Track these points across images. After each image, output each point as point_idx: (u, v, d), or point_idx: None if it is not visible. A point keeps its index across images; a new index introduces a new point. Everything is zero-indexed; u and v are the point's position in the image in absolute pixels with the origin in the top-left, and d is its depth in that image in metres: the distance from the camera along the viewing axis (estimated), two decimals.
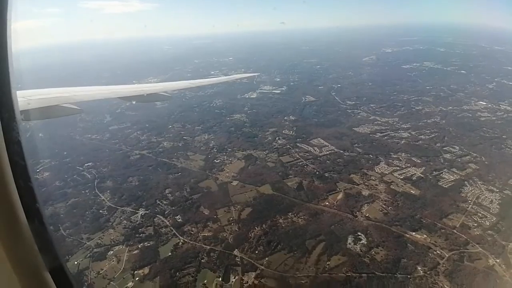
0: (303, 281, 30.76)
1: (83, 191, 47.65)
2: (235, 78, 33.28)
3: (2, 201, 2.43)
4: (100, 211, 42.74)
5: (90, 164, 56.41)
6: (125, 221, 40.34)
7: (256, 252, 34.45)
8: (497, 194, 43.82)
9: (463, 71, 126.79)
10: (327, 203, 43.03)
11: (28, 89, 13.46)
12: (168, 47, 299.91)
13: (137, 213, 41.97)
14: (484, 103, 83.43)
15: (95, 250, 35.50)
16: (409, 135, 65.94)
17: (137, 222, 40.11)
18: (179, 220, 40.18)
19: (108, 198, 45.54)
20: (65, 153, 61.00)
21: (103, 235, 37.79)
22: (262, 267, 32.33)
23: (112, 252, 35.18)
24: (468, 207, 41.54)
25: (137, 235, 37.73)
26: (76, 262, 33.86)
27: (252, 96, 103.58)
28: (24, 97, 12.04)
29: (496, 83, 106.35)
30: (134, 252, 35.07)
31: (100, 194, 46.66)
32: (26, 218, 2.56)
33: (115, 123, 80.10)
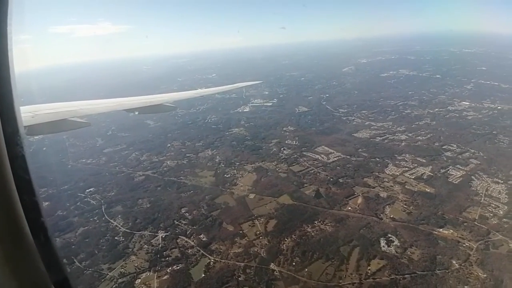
0: None
1: (91, 219, 44.38)
2: (239, 86, 33.20)
3: (7, 216, 2.43)
4: (116, 237, 39.84)
5: (92, 189, 52.99)
6: (146, 246, 37.83)
7: (294, 264, 33.45)
8: (503, 185, 46.34)
9: (438, 76, 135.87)
10: (349, 208, 43.14)
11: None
12: (147, 67, 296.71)
13: (157, 236, 39.60)
14: (468, 103, 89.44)
15: (120, 280, 32.76)
16: (407, 137, 68.70)
17: (160, 246, 37.75)
18: (204, 239, 38.33)
19: (121, 224, 42.68)
20: (61, 180, 56.87)
21: (126, 263, 35.07)
22: (304, 279, 31.33)
23: (140, 280, 32.66)
24: (481, 200, 43.43)
25: (163, 259, 35.40)
26: None
27: (245, 110, 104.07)
28: (31, 112, 11.79)
29: (473, 83, 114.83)
30: (164, 278, 32.77)
31: (111, 220, 43.67)
32: (31, 233, 2.55)
33: (109, 146, 76.53)
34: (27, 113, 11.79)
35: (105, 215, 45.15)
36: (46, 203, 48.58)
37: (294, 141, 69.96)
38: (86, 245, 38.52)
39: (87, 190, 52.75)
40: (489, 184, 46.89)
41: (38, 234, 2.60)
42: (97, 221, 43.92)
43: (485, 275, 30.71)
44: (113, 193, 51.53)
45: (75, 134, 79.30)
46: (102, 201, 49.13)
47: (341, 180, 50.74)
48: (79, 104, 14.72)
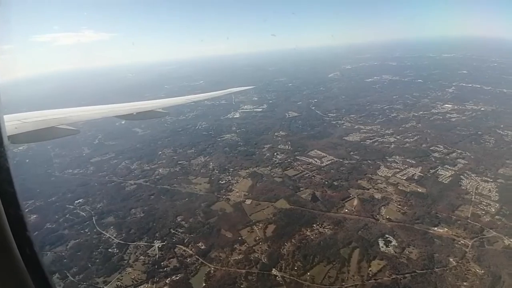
0: None
1: (82, 231, 42.62)
2: (230, 92, 33.37)
3: None
4: (109, 249, 38.37)
5: (81, 200, 51.07)
6: (142, 257, 36.59)
7: (295, 268, 33.21)
8: (493, 184, 48.05)
9: (420, 80, 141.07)
10: (346, 210, 43.52)
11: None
12: (132, 74, 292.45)
13: (153, 246, 38.41)
14: (450, 106, 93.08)
15: None
16: (396, 139, 70.47)
17: (157, 256, 36.61)
18: (202, 247, 37.50)
19: (114, 235, 41.18)
20: (48, 192, 54.46)
21: (122, 276, 33.80)
22: (308, 283, 31.10)
23: None
24: (472, 198, 44.82)
25: (161, 270, 34.33)
26: None
27: (235, 116, 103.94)
28: (19, 120, 11.68)
29: (455, 87, 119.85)
30: None
31: (103, 232, 42.09)
32: (17, 246, 2.53)
33: (97, 155, 74.23)
34: (15, 121, 11.54)
35: (97, 226, 43.50)
36: (34, 216, 46.47)
37: (287, 146, 70.30)
38: (79, 258, 36.85)
39: (75, 202, 50.81)
40: (478, 182, 48.56)
41: (24, 248, 2.53)
42: (89, 233, 42.21)
43: (482, 271, 31.52)
44: (103, 204, 49.78)
45: (60, 144, 76.50)
46: (93, 212, 47.39)
47: (336, 183, 51.20)
48: (67, 111, 14.41)
